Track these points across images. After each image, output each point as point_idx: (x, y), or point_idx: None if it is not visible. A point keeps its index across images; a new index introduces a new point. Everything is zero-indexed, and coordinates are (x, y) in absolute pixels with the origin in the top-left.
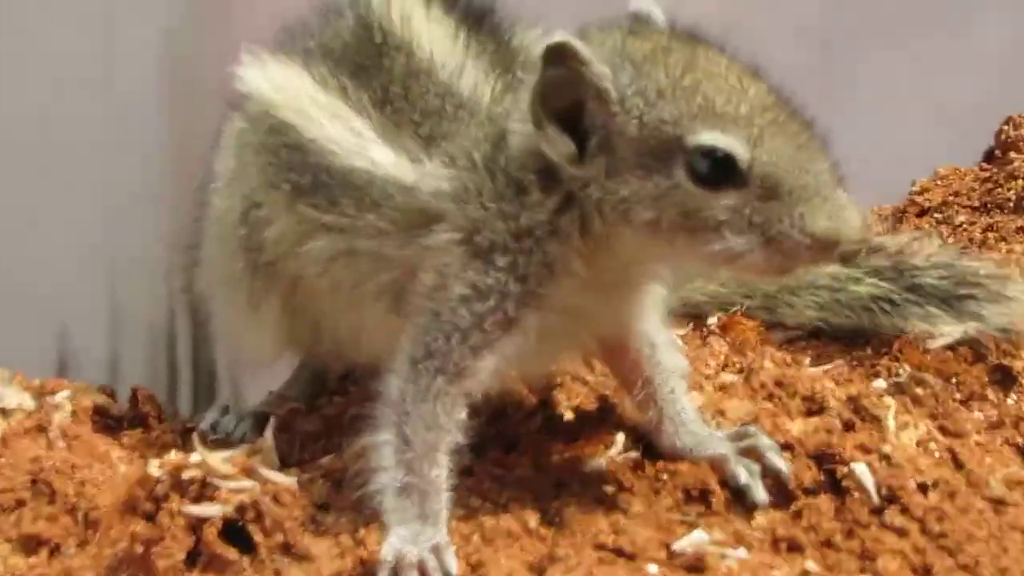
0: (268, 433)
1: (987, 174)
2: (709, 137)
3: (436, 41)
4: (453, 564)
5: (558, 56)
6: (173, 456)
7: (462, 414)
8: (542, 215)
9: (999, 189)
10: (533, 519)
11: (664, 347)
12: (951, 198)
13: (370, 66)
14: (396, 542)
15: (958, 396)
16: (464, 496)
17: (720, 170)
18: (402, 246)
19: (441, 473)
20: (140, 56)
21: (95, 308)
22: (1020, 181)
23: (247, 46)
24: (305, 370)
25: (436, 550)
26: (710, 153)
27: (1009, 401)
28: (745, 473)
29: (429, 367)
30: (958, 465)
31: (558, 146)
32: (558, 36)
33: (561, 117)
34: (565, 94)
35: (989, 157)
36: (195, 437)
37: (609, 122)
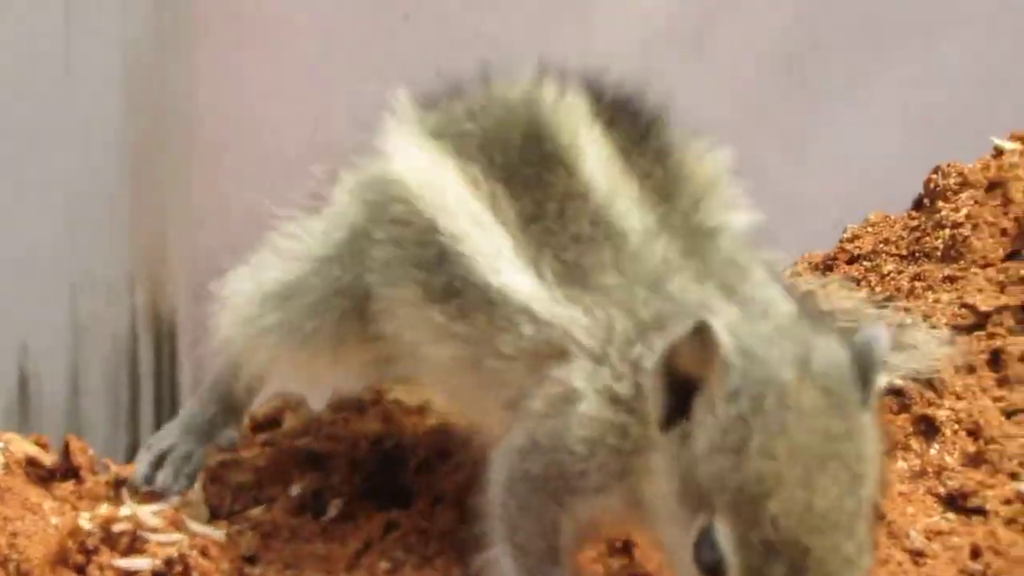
0: (197, 486)
1: (916, 222)
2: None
3: (596, 161)
4: None
5: (704, 332)
6: (104, 509)
7: (565, 529)
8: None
9: (927, 238)
10: (457, 572)
11: None
12: (880, 246)
13: (530, 176)
14: None
15: (884, 446)
16: (390, 548)
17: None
18: (529, 372)
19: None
20: (100, 68)
21: (56, 321)
22: (947, 231)
23: (394, 101)
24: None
25: None
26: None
27: (932, 451)
28: None
29: (531, 484)
30: (879, 516)
31: (655, 402)
32: (711, 319)
33: (678, 381)
34: (693, 364)
35: (918, 205)
36: (125, 491)
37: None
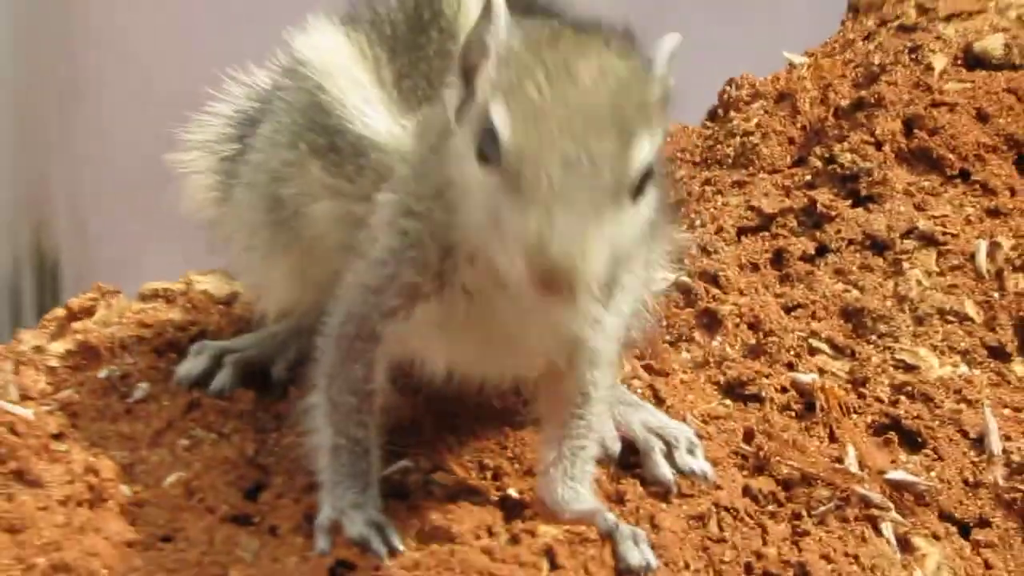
0: (7, 365)
1: (709, 131)
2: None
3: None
4: (395, 538)
5: (486, 11)
6: None
7: (380, 374)
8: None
9: (719, 146)
10: (251, 448)
11: (596, 404)
12: (678, 154)
13: (409, 41)
14: (330, 509)
15: (668, 338)
16: (190, 427)
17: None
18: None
19: (367, 433)
20: None
21: None
22: (738, 139)
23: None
24: (280, 332)
25: (376, 526)
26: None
27: (714, 343)
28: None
29: (349, 330)
30: (659, 401)
31: (455, 96)
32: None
33: (467, 73)
34: (480, 52)
35: (712, 116)
36: None
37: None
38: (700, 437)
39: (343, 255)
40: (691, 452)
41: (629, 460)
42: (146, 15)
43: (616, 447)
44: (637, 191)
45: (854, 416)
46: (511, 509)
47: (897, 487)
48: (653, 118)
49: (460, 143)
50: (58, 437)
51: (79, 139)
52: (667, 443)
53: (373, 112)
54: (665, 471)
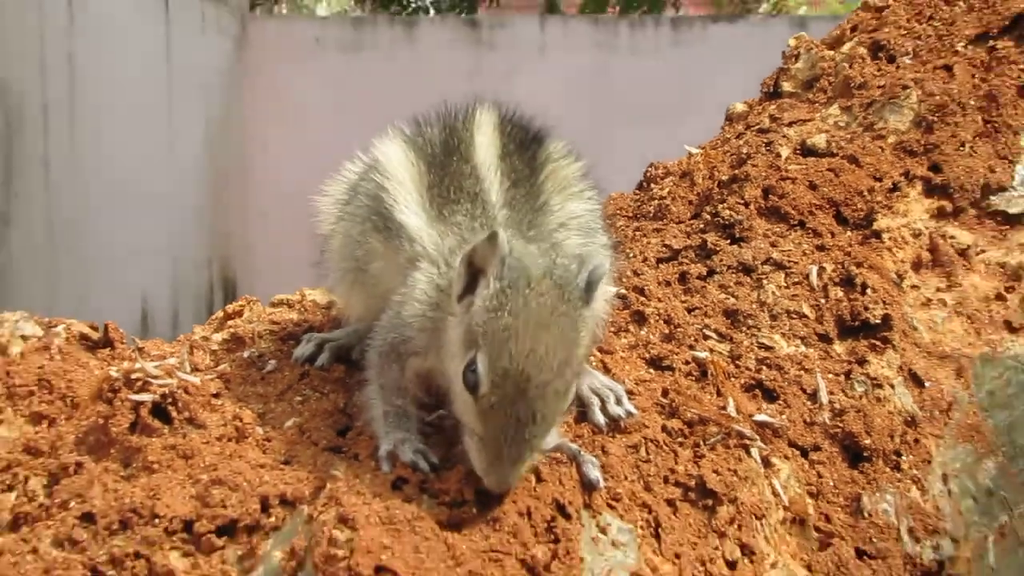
0: (183, 349)
1: (638, 197)
2: (481, 359)
3: (484, 153)
4: (435, 460)
5: (493, 239)
6: (125, 365)
7: (409, 375)
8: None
9: (644, 206)
10: (342, 400)
11: None
12: (618, 211)
13: (443, 160)
14: (388, 444)
15: (612, 329)
16: (303, 389)
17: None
18: (404, 277)
19: (406, 403)
20: (191, 137)
21: (163, 283)
22: (656, 201)
23: (395, 123)
24: (359, 329)
25: (421, 453)
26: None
27: (642, 332)
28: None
29: (384, 347)
30: (606, 370)
31: (458, 282)
32: (500, 232)
33: (472, 270)
34: (482, 260)
35: (640, 187)
36: (137, 353)
37: (480, 296)
38: (631, 394)
39: (390, 294)
40: (618, 403)
41: (582, 414)
42: (292, 138)
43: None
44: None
45: (732, 379)
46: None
47: (761, 425)
48: (583, 333)
49: (453, 331)
50: (216, 396)
51: (249, 213)
52: (602, 399)
53: (409, 208)
54: (599, 418)
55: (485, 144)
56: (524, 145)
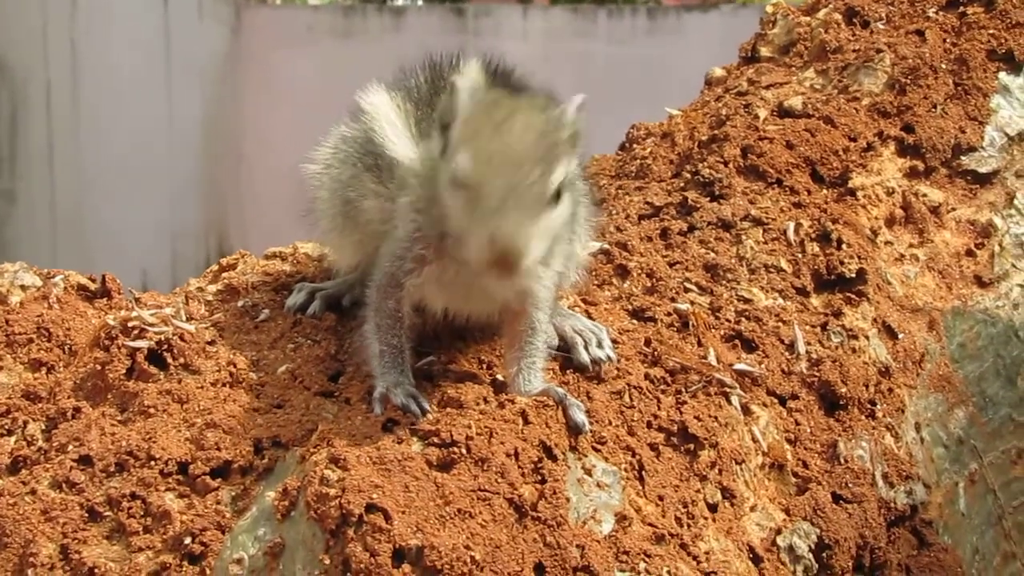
0: (179, 299)
1: (620, 157)
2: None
3: (468, 88)
4: (425, 404)
5: (453, 89)
6: (122, 313)
7: (406, 308)
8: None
9: (627, 165)
10: (334, 346)
11: (539, 335)
12: (600, 171)
13: (429, 99)
14: (381, 386)
15: (596, 282)
16: (295, 336)
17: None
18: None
19: (401, 341)
20: (189, 121)
21: (164, 255)
22: (638, 161)
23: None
24: (349, 279)
25: (412, 396)
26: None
27: (624, 285)
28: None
29: (384, 281)
30: (591, 320)
31: (435, 143)
32: (458, 78)
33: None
34: (449, 114)
35: (622, 147)
36: (134, 302)
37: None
38: (616, 342)
39: (383, 234)
40: (599, 345)
41: (568, 360)
42: (285, 123)
43: (554, 342)
44: (556, 198)
45: (713, 330)
46: (498, 387)
47: (740, 374)
48: (563, 152)
49: (443, 172)
50: (211, 343)
51: (243, 191)
52: (585, 340)
53: (400, 142)
54: (583, 357)
55: (469, 81)
56: (508, 87)
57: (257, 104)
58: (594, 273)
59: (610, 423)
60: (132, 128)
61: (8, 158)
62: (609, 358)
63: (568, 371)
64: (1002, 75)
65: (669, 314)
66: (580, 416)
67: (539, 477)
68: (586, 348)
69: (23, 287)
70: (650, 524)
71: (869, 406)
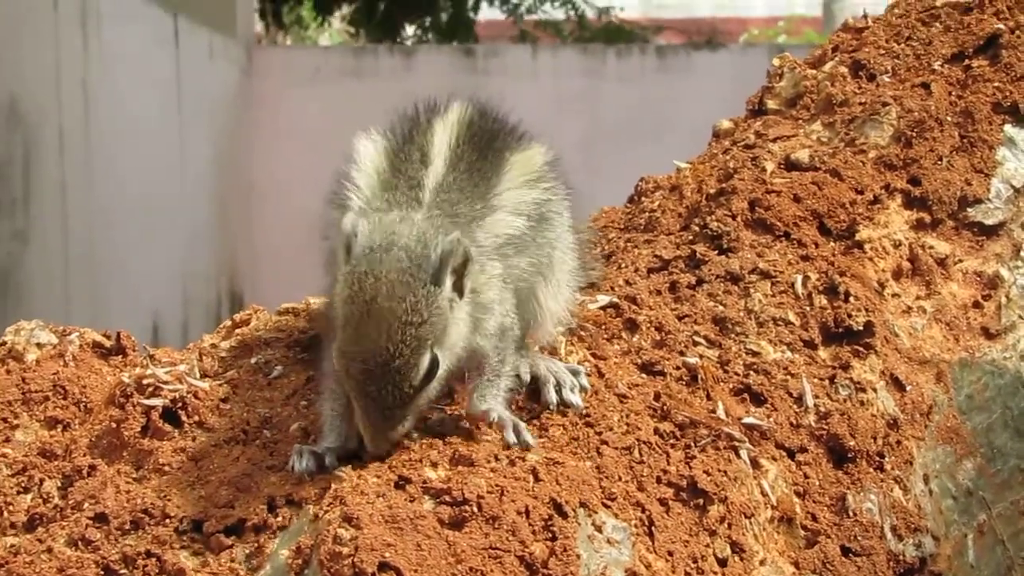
0: (192, 356)
1: (629, 210)
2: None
3: (437, 140)
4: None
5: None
6: (137, 371)
7: None
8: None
9: (635, 218)
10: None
11: (497, 368)
12: (609, 223)
13: (399, 148)
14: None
15: (605, 336)
16: (307, 393)
17: None
18: None
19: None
20: (201, 158)
21: (175, 296)
22: (647, 214)
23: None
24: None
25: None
26: None
27: (634, 339)
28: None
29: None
30: (600, 375)
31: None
32: (349, 216)
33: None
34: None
35: (631, 200)
36: (148, 360)
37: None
38: (625, 397)
39: None
40: (573, 391)
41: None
42: (296, 159)
43: (527, 379)
44: (431, 369)
45: (721, 384)
46: (509, 445)
47: (749, 428)
48: (433, 324)
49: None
50: (224, 400)
51: (255, 232)
52: (559, 382)
53: (359, 196)
54: (552, 397)
55: (440, 132)
56: (491, 137)
57: (268, 144)
58: (603, 327)
59: (620, 479)
60: (144, 169)
61: (22, 199)
62: (576, 406)
63: (579, 425)
64: (1007, 127)
65: (678, 368)
66: (528, 437)
67: (550, 535)
68: (559, 390)
69: (39, 345)
70: None
71: (878, 458)
